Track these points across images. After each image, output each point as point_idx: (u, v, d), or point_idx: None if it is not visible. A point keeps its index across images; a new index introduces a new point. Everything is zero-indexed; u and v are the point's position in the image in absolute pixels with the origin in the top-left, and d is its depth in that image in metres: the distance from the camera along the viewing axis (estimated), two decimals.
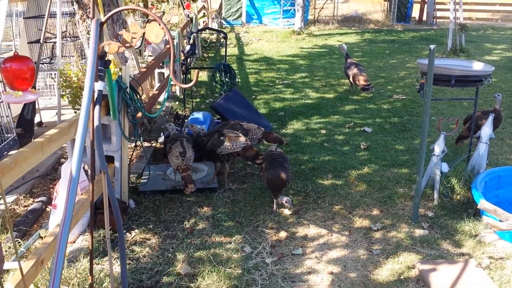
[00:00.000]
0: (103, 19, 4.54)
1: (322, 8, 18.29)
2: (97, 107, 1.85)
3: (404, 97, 7.31)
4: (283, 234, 3.54)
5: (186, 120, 5.53)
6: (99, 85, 1.86)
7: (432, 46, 3.42)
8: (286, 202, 3.77)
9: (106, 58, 1.93)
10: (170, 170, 4.48)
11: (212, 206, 3.95)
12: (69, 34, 5.83)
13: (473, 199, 3.64)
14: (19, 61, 1.98)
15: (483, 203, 3.14)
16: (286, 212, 3.85)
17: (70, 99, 4.80)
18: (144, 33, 2.08)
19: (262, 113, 6.33)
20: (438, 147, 3.97)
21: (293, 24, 15.23)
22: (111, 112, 3.08)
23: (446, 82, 3.96)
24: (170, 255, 3.24)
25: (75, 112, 5.08)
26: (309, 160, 4.93)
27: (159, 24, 1.90)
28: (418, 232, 3.56)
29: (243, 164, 4.74)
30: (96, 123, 1.83)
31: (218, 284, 2.93)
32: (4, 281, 2.28)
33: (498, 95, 4.61)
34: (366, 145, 5.32)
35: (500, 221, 3.09)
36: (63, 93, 4.81)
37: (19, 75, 1.96)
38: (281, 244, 3.44)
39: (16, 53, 2.12)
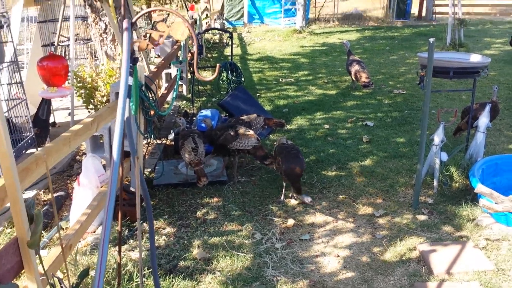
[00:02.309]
0: (115, 20, 4.73)
1: (322, 6, 18.50)
2: (127, 99, 2.05)
3: (404, 92, 7.50)
4: (291, 222, 3.74)
5: (194, 118, 5.74)
6: (129, 80, 2.06)
7: (431, 40, 3.62)
8: (309, 201, 3.96)
9: (134, 56, 2.13)
10: (181, 165, 4.69)
11: (223, 198, 4.16)
12: (81, 37, 6.05)
13: (471, 186, 3.83)
14: (54, 60, 2.18)
15: (480, 187, 3.33)
16: (293, 202, 4.06)
17: (84, 99, 5.03)
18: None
19: (267, 110, 6.53)
20: (438, 137, 4.17)
21: (295, 23, 15.43)
22: (132, 107, 3.27)
23: (445, 74, 4.15)
24: (185, 242, 3.45)
25: (89, 112, 5.31)
26: (314, 153, 5.13)
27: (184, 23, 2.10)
28: (419, 217, 3.76)
29: (251, 158, 4.94)
30: (126, 114, 2.04)
31: (232, 266, 3.14)
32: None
33: (496, 87, 4.81)
34: (368, 139, 5.52)
35: (495, 203, 3.29)
36: (77, 93, 5.05)
37: (55, 72, 2.16)
38: (289, 231, 3.64)
39: (51, 52, 2.33)
